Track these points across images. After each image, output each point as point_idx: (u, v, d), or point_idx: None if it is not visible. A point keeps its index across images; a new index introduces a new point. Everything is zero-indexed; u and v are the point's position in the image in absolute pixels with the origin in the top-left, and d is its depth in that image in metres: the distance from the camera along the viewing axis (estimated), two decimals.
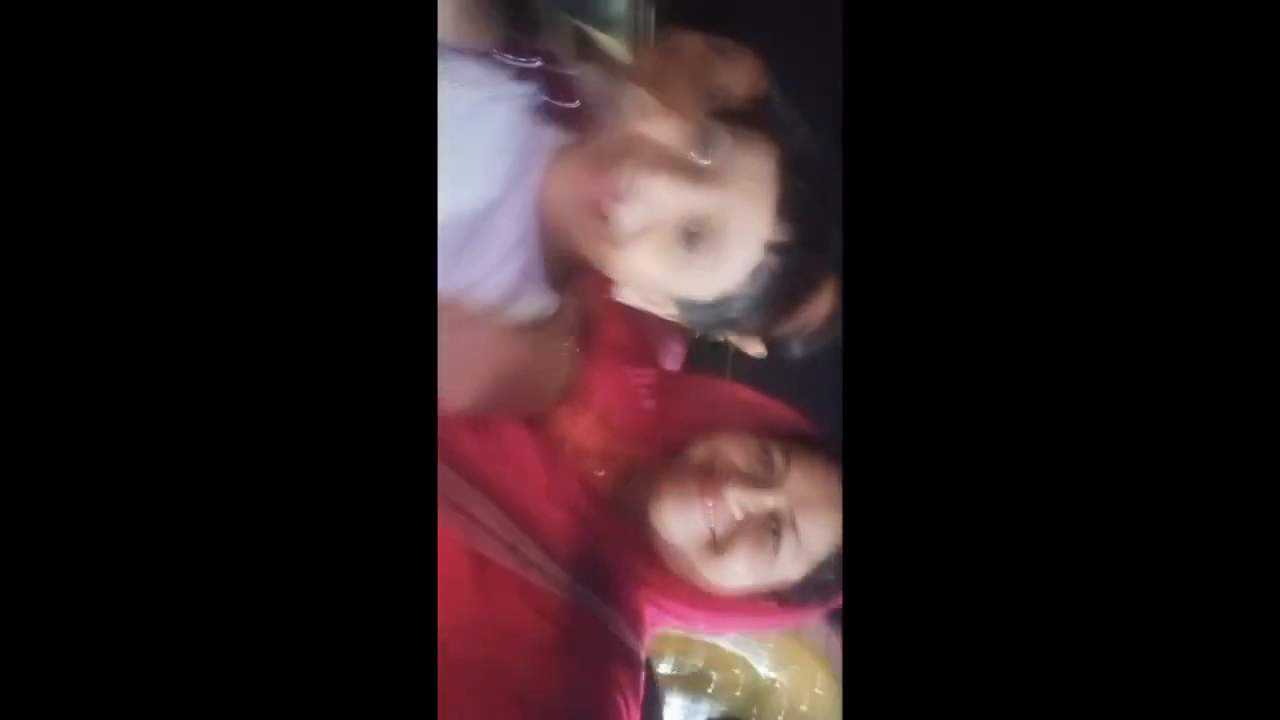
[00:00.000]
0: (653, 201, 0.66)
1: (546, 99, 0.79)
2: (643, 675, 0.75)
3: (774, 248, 0.66)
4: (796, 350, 0.77)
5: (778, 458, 0.75)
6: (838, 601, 0.80)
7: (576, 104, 0.80)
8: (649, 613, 0.76)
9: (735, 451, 0.76)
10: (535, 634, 0.67)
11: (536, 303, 0.77)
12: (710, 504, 0.73)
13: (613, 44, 1.07)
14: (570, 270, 0.77)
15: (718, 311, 0.70)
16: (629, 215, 0.66)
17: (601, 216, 0.67)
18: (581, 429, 0.78)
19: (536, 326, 0.77)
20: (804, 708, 1.37)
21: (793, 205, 0.66)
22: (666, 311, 0.74)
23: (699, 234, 0.66)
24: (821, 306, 0.72)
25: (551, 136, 0.76)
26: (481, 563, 0.67)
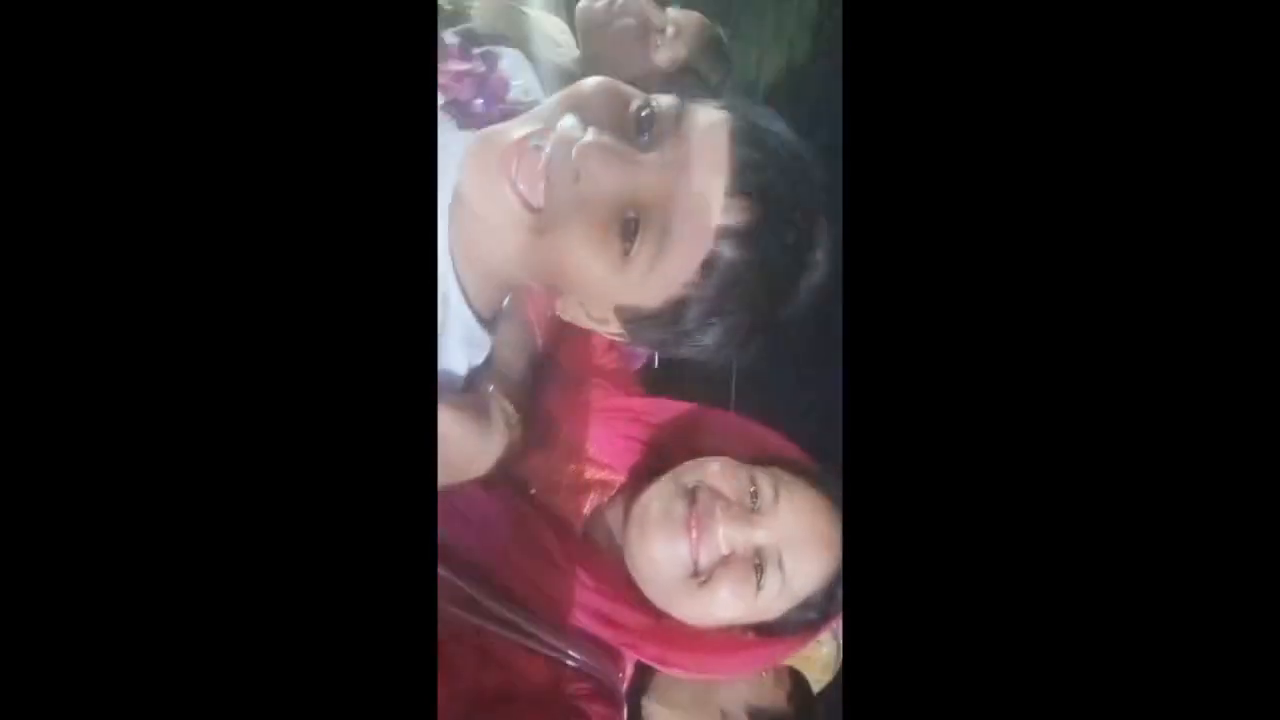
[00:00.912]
0: (581, 176, 0.54)
1: (454, 97, 0.69)
2: (624, 710, 0.74)
3: (727, 233, 0.55)
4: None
5: (765, 489, 0.71)
6: (819, 635, 0.78)
7: (481, 101, 0.70)
8: (627, 654, 0.74)
9: (722, 480, 0.71)
10: (501, 690, 0.65)
11: (464, 353, 0.67)
12: (695, 534, 0.69)
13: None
14: (502, 294, 0.67)
15: (668, 323, 0.60)
16: (557, 195, 0.55)
17: (526, 205, 0.56)
18: (550, 465, 0.73)
19: (467, 384, 0.68)
20: None
21: (749, 181, 0.55)
22: (611, 330, 0.64)
23: (638, 220, 0.56)
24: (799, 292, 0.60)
25: (464, 138, 0.64)
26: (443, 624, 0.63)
